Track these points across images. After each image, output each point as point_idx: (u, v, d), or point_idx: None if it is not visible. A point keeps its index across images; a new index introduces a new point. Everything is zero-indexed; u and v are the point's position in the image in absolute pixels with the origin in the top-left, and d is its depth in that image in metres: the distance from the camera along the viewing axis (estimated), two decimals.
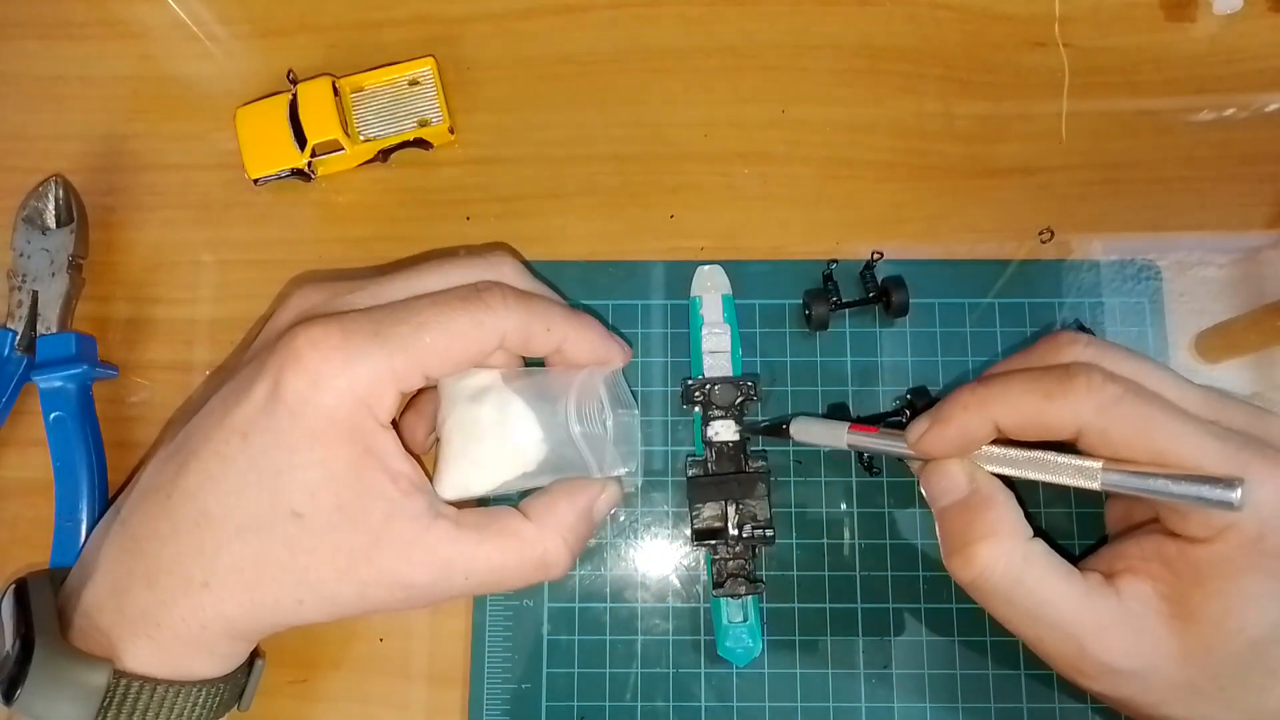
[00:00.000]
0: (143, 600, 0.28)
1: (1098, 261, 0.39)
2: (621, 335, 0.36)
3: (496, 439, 0.31)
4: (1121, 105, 0.40)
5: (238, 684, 0.31)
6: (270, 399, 0.28)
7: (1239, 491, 0.26)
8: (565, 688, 0.35)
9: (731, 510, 0.35)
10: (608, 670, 0.36)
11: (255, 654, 0.33)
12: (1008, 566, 0.29)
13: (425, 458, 0.34)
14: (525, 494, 0.32)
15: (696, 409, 0.36)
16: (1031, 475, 0.30)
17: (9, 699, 0.27)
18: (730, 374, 0.36)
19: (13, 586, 0.30)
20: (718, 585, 0.35)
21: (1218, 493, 0.26)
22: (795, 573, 0.36)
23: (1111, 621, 0.28)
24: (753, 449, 0.36)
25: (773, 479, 0.36)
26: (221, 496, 0.28)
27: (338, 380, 0.27)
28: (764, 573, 0.36)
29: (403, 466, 0.29)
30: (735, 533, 0.35)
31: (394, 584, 0.29)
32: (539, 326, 0.31)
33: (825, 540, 0.36)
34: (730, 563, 0.35)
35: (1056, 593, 0.28)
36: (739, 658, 0.35)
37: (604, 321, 0.36)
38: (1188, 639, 0.28)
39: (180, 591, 0.28)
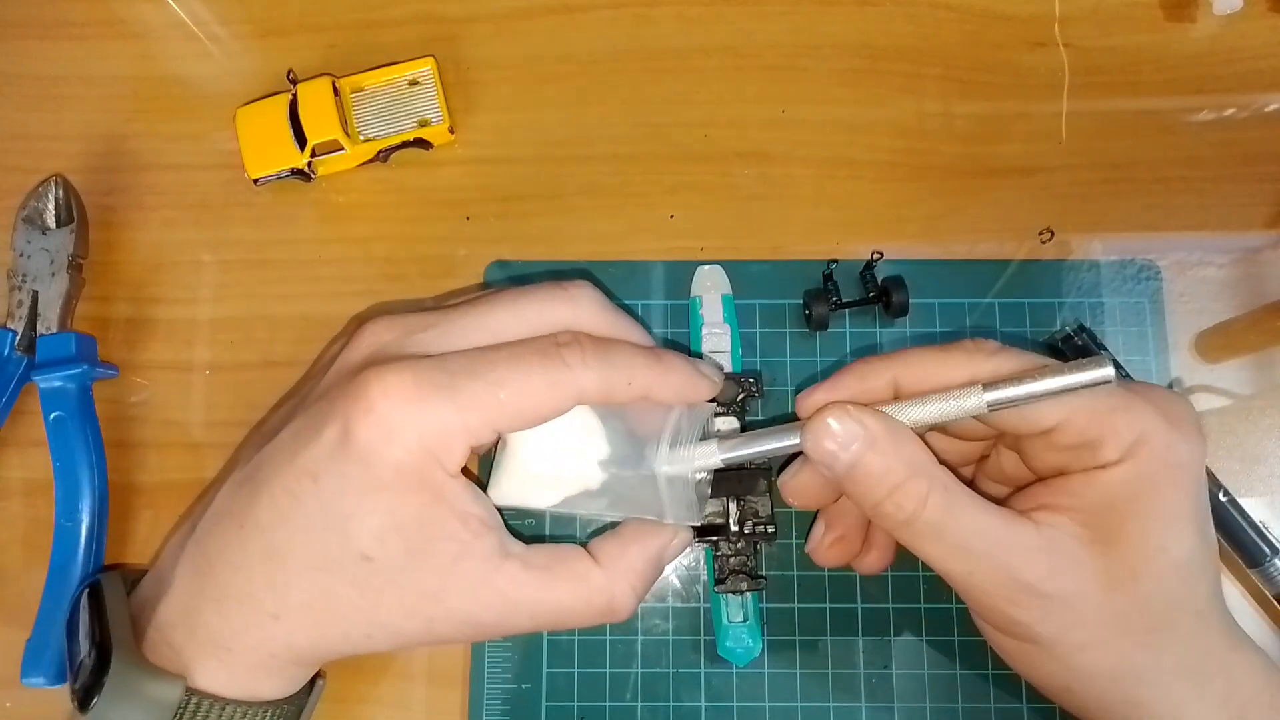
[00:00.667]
0: (214, 624, 0.29)
1: (1098, 261, 0.39)
2: (709, 364, 0.33)
3: (561, 452, 0.30)
4: (1121, 105, 0.40)
5: (299, 704, 0.32)
6: (341, 444, 0.27)
7: (1109, 365, 0.26)
8: (565, 688, 0.35)
9: (733, 506, 0.35)
10: (608, 670, 0.36)
11: (317, 674, 0.33)
12: (938, 500, 0.28)
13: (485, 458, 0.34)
14: (588, 524, 0.32)
15: None
16: (922, 416, 0.29)
17: (85, 707, 0.28)
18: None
19: (87, 589, 0.31)
20: (719, 582, 0.35)
21: (1093, 373, 0.26)
22: (795, 573, 0.36)
23: (1036, 545, 0.27)
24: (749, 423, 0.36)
25: (774, 476, 0.36)
26: (291, 534, 0.28)
27: (408, 434, 0.27)
28: (765, 572, 0.36)
29: (473, 508, 0.29)
30: (737, 529, 0.35)
31: (462, 621, 0.29)
32: (620, 381, 0.29)
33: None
34: (732, 559, 0.35)
35: (985, 520, 0.28)
36: (739, 657, 0.35)
37: (687, 352, 0.34)
38: (1111, 563, 0.27)
39: (251, 621, 0.29)
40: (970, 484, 0.31)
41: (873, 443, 0.28)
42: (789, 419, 0.33)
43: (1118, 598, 0.27)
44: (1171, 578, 0.27)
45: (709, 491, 0.32)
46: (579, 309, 0.31)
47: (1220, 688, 0.27)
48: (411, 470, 0.27)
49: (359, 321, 0.32)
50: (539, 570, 0.29)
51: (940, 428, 0.31)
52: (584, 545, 0.31)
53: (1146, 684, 0.28)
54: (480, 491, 0.30)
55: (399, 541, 0.28)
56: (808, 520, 0.36)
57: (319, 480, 0.28)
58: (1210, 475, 0.35)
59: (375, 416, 0.27)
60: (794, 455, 0.31)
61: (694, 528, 0.34)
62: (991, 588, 0.28)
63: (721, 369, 0.34)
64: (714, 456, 0.30)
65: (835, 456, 0.28)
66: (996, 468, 0.32)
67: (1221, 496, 0.35)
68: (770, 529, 0.35)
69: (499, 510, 0.30)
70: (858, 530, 0.34)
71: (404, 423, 0.27)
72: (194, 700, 0.28)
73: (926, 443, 0.29)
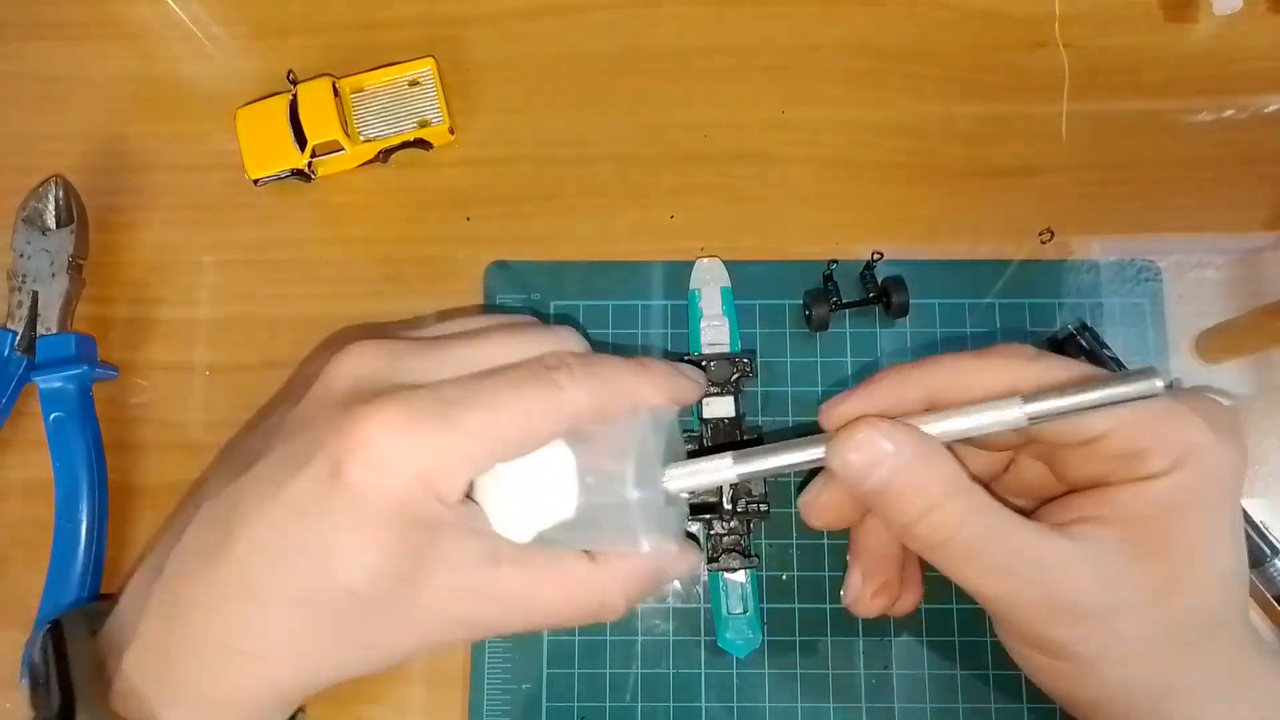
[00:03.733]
0: (190, 671, 0.27)
1: (1097, 262, 0.39)
2: (690, 367, 0.33)
3: (535, 485, 0.29)
4: (1121, 105, 0.40)
5: None
6: (332, 480, 0.26)
7: (1158, 379, 0.25)
8: (565, 688, 0.35)
9: (726, 486, 0.35)
10: (608, 670, 0.36)
11: (300, 709, 0.31)
12: (976, 521, 0.27)
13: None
14: None
15: None
16: (957, 429, 0.27)
17: None
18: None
19: (48, 631, 0.29)
20: (712, 560, 0.35)
21: (1141, 384, 0.26)
22: (795, 573, 0.36)
23: (1076, 563, 0.26)
24: (748, 425, 0.36)
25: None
26: (273, 571, 0.27)
27: (407, 471, 0.26)
28: (765, 572, 0.36)
29: (469, 524, 0.28)
30: (730, 508, 0.35)
31: (454, 624, 0.28)
32: (609, 396, 0.29)
33: (825, 540, 0.36)
34: (725, 538, 0.35)
35: (1024, 539, 0.27)
36: (739, 649, 0.35)
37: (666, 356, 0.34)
38: (1156, 576, 0.26)
39: (231, 665, 0.27)
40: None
41: (906, 461, 0.27)
42: (797, 428, 0.32)
43: (1160, 611, 0.26)
44: (1215, 589, 0.27)
45: (688, 510, 0.32)
46: (565, 344, 0.30)
47: (1252, 700, 0.27)
48: (411, 506, 0.26)
49: (329, 345, 0.31)
50: (529, 569, 0.28)
51: (974, 441, 0.29)
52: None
53: (1181, 698, 0.27)
54: (470, 501, 0.29)
55: (389, 572, 0.26)
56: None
57: (307, 517, 0.26)
58: None
59: (369, 454, 0.26)
60: (813, 472, 0.30)
61: (689, 508, 0.33)
62: (1029, 609, 0.27)
63: (703, 372, 0.34)
64: (729, 471, 0.29)
65: (865, 475, 0.27)
66: (1017, 480, 0.31)
67: None
68: (764, 507, 0.35)
69: None
70: (897, 572, 0.32)
71: (401, 459, 0.26)
72: None
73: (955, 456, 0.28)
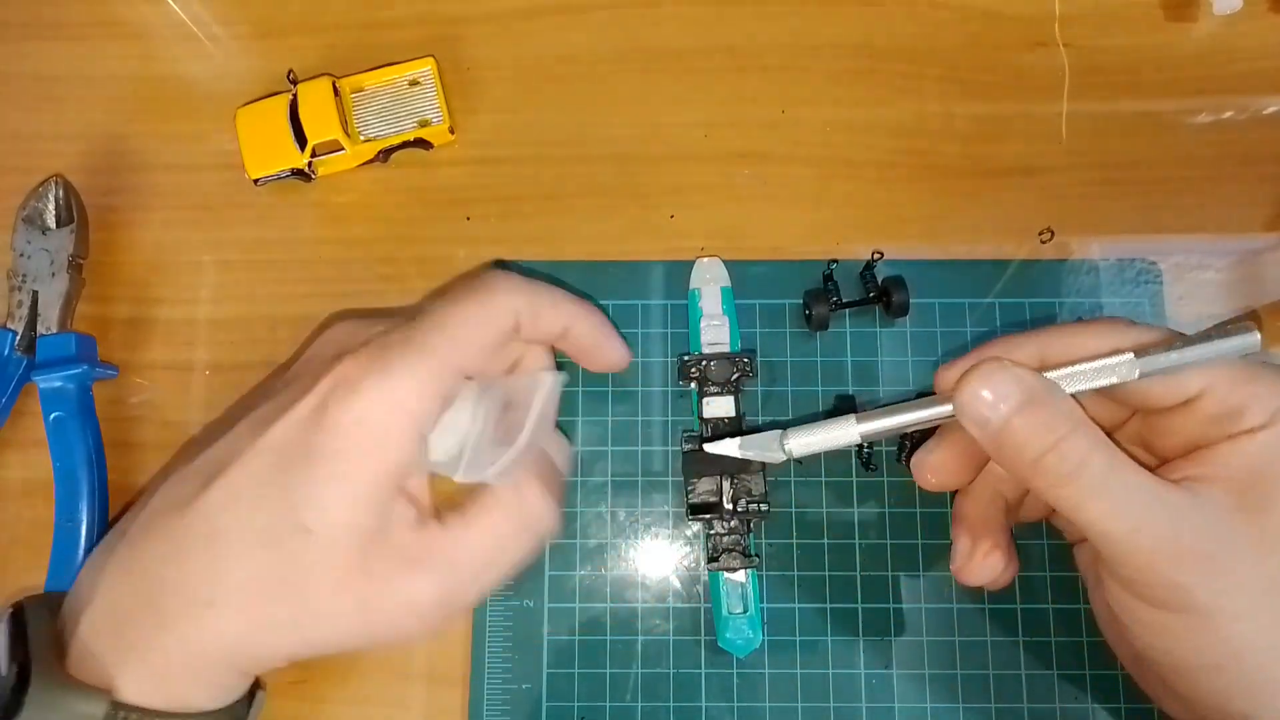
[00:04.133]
0: (143, 623, 0.28)
1: (1097, 262, 0.39)
2: (622, 335, 0.36)
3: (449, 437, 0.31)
4: (1121, 105, 0.40)
5: (237, 716, 0.31)
6: (315, 415, 0.28)
7: (1256, 331, 0.27)
8: (565, 688, 0.35)
9: (726, 485, 0.35)
10: (608, 670, 0.36)
11: (256, 685, 0.32)
12: (1103, 455, 0.27)
13: None
14: None
15: (693, 385, 0.37)
16: (1072, 385, 0.29)
17: None
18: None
19: (9, 612, 0.30)
20: (712, 560, 0.35)
21: (1242, 339, 0.27)
22: (795, 573, 0.36)
23: (1194, 507, 0.27)
24: (749, 425, 0.36)
25: (769, 469, 0.36)
26: (240, 513, 0.28)
27: (385, 394, 0.28)
28: (765, 573, 0.36)
29: (417, 487, 0.30)
30: (730, 507, 0.35)
31: (397, 600, 0.28)
32: (545, 303, 0.32)
33: (825, 540, 0.36)
34: (725, 538, 0.35)
35: (1145, 479, 0.27)
36: (739, 649, 0.35)
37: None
38: (1265, 530, 0.26)
39: (182, 612, 0.28)
40: None
41: (1031, 395, 0.28)
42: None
43: (1271, 562, 0.27)
44: None
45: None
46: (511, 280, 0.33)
47: None
48: (390, 431, 0.28)
49: (318, 331, 0.34)
50: (456, 516, 0.30)
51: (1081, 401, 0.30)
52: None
53: None
54: (427, 471, 0.31)
55: (342, 513, 0.28)
56: (807, 522, 0.36)
57: (283, 452, 0.28)
58: None
59: (350, 384, 0.28)
60: (906, 439, 0.34)
61: (688, 505, 0.35)
62: (1154, 546, 0.27)
63: (631, 352, 0.36)
64: (853, 431, 0.30)
65: (993, 411, 0.28)
66: None
67: None
68: (763, 507, 0.35)
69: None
70: (1005, 538, 0.32)
71: (379, 385, 0.28)
72: (120, 715, 0.27)
73: None
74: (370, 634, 0.29)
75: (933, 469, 0.32)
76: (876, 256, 0.37)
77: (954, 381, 0.29)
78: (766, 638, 0.36)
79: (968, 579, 0.32)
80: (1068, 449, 0.27)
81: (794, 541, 0.36)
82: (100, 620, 0.28)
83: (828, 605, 0.36)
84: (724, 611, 0.35)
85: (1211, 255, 0.39)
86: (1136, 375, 0.28)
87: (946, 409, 0.29)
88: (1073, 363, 0.29)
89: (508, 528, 0.30)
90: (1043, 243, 0.39)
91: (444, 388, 0.29)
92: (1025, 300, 0.38)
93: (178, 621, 0.28)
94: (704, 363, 0.36)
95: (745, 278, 0.39)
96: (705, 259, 0.39)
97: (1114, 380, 0.28)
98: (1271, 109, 0.40)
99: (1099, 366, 0.28)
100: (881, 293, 0.37)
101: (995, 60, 0.41)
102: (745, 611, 0.35)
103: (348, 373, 0.29)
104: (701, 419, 0.36)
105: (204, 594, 0.28)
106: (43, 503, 0.37)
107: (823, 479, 0.37)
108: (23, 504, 0.38)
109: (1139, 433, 0.31)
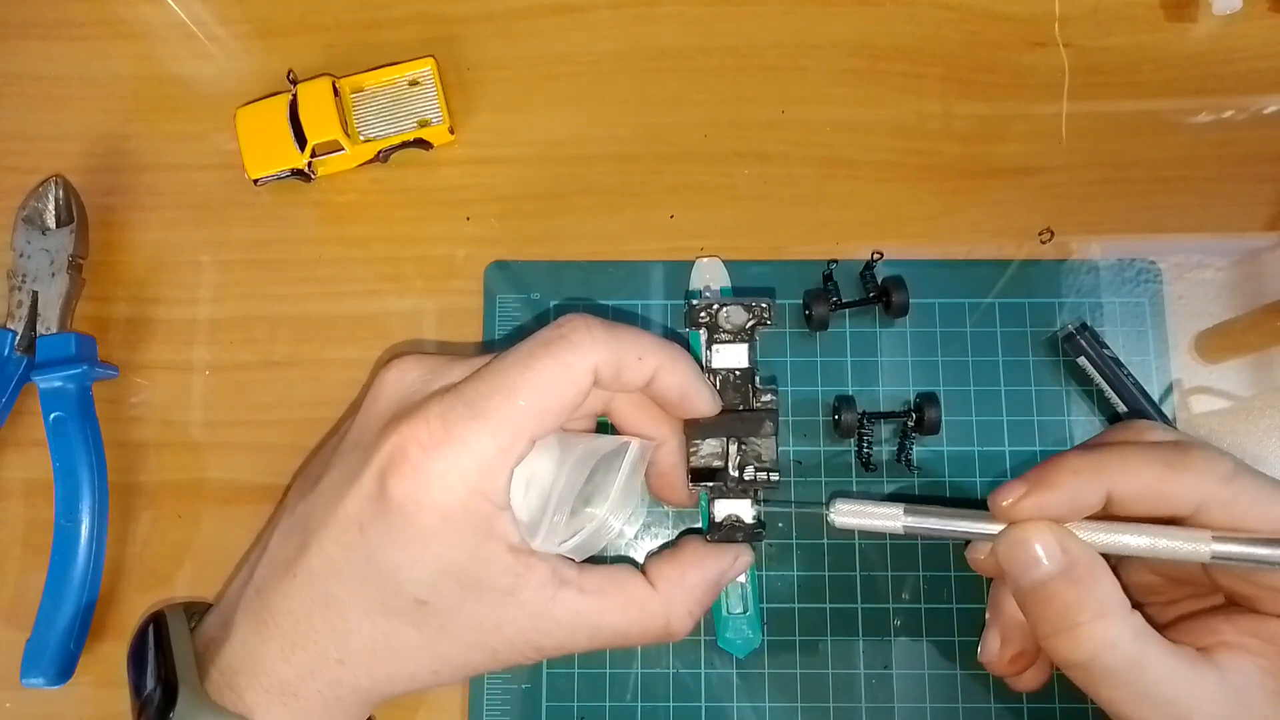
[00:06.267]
0: (280, 672, 0.29)
1: (1097, 262, 0.39)
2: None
3: (530, 499, 0.30)
4: (1121, 105, 0.40)
5: None
6: (379, 496, 0.27)
7: None
8: (565, 688, 0.35)
9: (733, 449, 0.31)
10: (608, 670, 0.36)
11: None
12: (1128, 647, 0.27)
13: None
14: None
15: (701, 331, 0.32)
16: (1131, 547, 0.28)
17: None
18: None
19: (150, 621, 0.31)
20: (713, 530, 0.31)
21: None
22: (795, 573, 0.36)
23: (1219, 698, 0.27)
24: (762, 382, 0.32)
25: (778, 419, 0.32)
26: (345, 583, 0.28)
27: (448, 477, 0.27)
28: (765, 572, 0.36)
29: (520, 540, 0.29)
30: (735, 474, 0.31)
31: (524, 647, 0.29)
32: (630, 355, 0.29)
33: (825, 540, 0.36)
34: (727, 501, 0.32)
35: (1168, 669, 0.27)
36: (739, 649, 0.35)
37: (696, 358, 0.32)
38: None
39: (317, 667, 0.29)
40: None
41: (1070, 576, 0.27)
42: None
43: None
44: None
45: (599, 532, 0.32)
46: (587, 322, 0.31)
47: None
48: (458, 512, 0.27)
49: (383, 363, 0.32)
50: (594, 595, 0.29)
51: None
52: (640, 567, 0.31)
53: None
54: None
55: (452, 583, 0.28)
56: (807, 522, 0.36)
57: (365, 530, 0.28)
58: None
59: (410, 467, 0.27)
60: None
61: (690, 469, 0.32)
62: None
63: (720, 400, 0.32)
64: (897, 522, 0.30)
65: (1027, 569, 0.28)
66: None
67: None
68: (773, 476, 0.31)
69: None
70: (1034, 641, 0.32)
71: (443, 468, 0.27)
72: None
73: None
74: (496, 669, 0.30)
75: (979, 562, 0.32)
76: (876, 256, 0.37)
77: (1006, 509, 0.29)
78: (766, 638, 0.36)
79: (993, 673, 0.33)
80: (1083, 635, 0.27)
81: (794, 542, 0.36)
82: (239, 661, 0.29)
83: (827, 605, 0.36)
84: (724, 612, 0.35)
85: (1211, 255, 0.39)
86: (1207, 558, 0.27)
87: (992, 530, 0.29)
88: (1144, 517, 0.28)
89: (638, 630, 0.30)
90: (1042, 243, 0.39)
91: (514, 460, 0.28)
92: (1025, 300, 0.38)
93: (314, 674, 0.29)
94: (715, 307, 0.32)
95: (745, 278, 0.39)
96: (705, 259, 0.39)
97: (1180, 559, 0.27)
98: (1271, 109, 0.40)
99: (1169, 539, 0.27)
100: (881, 293, 0.37)
101: (995, 60, 0.41)
102: (745, 611, 0.35)
103: (406, 451, 0.27)
104: (709, 369, 0.32)
105: (333, 653, 0.29)
106: (43, 503, 0.37)
107: (823, 479, 0.37)
108: (23, 504, 0.38)
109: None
